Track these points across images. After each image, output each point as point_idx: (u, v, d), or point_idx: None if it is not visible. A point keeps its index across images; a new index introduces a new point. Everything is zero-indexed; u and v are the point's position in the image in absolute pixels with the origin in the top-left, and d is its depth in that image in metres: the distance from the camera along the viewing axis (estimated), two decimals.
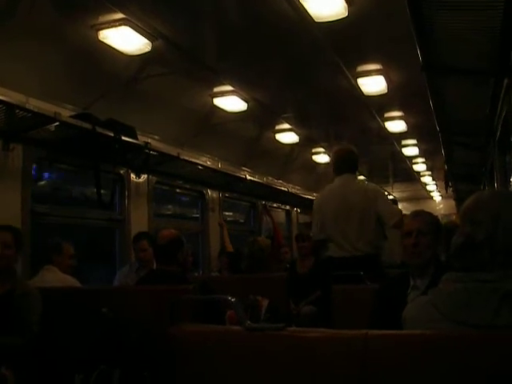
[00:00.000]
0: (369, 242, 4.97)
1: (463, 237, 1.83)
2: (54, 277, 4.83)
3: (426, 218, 3.25)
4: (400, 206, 18.80)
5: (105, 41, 5.44)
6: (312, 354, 1.63)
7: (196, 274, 7.89)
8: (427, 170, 15.49)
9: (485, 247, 1.76)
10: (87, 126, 5.59)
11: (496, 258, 1.75)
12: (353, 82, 7.29)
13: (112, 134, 5.88)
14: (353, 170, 5.26)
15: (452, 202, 17.47)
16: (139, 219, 7.21)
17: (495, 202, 1.84)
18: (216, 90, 7.48)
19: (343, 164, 5.23)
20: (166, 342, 1.93)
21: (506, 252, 1.75)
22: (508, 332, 1.58)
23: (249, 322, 1.67)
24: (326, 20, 5.24)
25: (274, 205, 12.16)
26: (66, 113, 5.59)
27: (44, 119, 5.17)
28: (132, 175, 7.18)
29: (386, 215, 4.94)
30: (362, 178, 15.00)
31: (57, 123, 5.28)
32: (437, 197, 20.45)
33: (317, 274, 6.39)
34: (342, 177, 5.19)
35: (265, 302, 5.19)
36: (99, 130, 5.71)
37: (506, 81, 4.95)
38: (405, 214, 4.86)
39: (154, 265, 5.01)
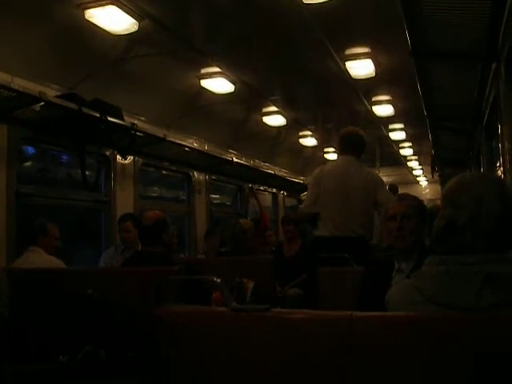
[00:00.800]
0: (362, 224, 5.01)
1: (445, 219, 1.83)
2: (39, 258, 4.80)
3: (410, 202, 3.24)
4: None
5: (91, 20, 5.36)
6: (297, 335, 1.63)
7: (182, 256, 7.89)
8: (414, 154, 15.53)
9: (467, 230, 1.76)
10: (73, 106, 5.54)
11: (478, 241, 1.75)
12: (341, 64, 7.26)
13: (98, 115, 5.84)
14: (357, 152, 5.26)
15: (438, 187, 17.55)
16: (125, 201, 7.18)
17: (478, 185, 1.84)
18: (203, 71, 7.43)
19: (348, 145, 5.26)
20: (151, 322, 1.92)
21: (488, 235, 1.75)
22: (490, 314, 1.58)
23: (234, 303, 1.67)
24: (315, 1, 5.20)
25: (261, 188, 12.17)
26: (51, 93, 5.55)
27: (29, 99, 5.12)
28: (118, 156, 7.14)
29: (384, 203, 4.96)
30: None
31: (42, 103, 5.23)
32: (423, 181, 20.53)
33: (303, 256, 6.42)
34: (345, 157, 5.23)
35: (250, 285, 5.21)
36: (85, 110, 5.66)
37: (493, 65, 4.95)
38: None
39: (140, 246, 5.01)
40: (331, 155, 13.39)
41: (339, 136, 5.42)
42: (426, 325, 1.59)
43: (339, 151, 5.39)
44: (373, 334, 1.57)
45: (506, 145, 4.83)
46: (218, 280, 1.70)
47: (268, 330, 1.67)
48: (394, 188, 12.03)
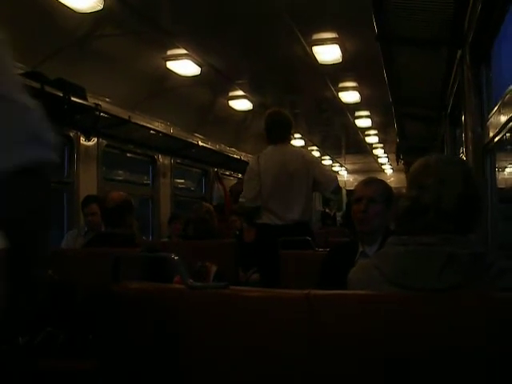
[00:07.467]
0: (305, 209, 4.96)
1: (409, 200, 1.85)
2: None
3: (378, 186, 3.22)
4: (351, 178, 18.99)
5: None
6: (255, 313, 1.62)
7: (144, 238, 7.85)
8: (379, 142, 15.62)
9: (430, 211, 1.78)
10: (35, 84, 5.43)
11: (440, 223, 1.76)
12: (308, 49, 7.26)
13: (61, 94, 5.75)
14: (289, 135, 5.17)
15: (402, 176, 17.70)
16: (88, 183, 7.10)
17: (443, 167, 1.85)
18: (169, 52, 7.36)
19: (280, 129, 5.08)
20: (108, 300, 1.90)
21: (449, 217, 1.77)
22: (450, 294, 1.59)
23: (191, 281, 1.64)
24: None
25: (227, 172, 12.14)
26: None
27: None
28: (81, 138, 7.05)
29: (323, 182, 4.95)
30: (314, 148, 15.11)
31: None
32: (388, 170, 20.70)
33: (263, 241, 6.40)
34: (275, 146, 5.04)
35: (213, 268, 5.18)
36: (48, 89, 5.57)
37: (459, 52, 4.97)
38: None
39: (103, 228, 4.95)
40: (298, 141, 13.40)
41: (265, 122, 5.16)
42: (383, 304, 1.59)
43: (270, 138, 5.08)
44: (331, 312, 1.56)
45: (469, 133, 4.85)
46: (176, 257, 1.67)
47: (226, 307, 1.66)
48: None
